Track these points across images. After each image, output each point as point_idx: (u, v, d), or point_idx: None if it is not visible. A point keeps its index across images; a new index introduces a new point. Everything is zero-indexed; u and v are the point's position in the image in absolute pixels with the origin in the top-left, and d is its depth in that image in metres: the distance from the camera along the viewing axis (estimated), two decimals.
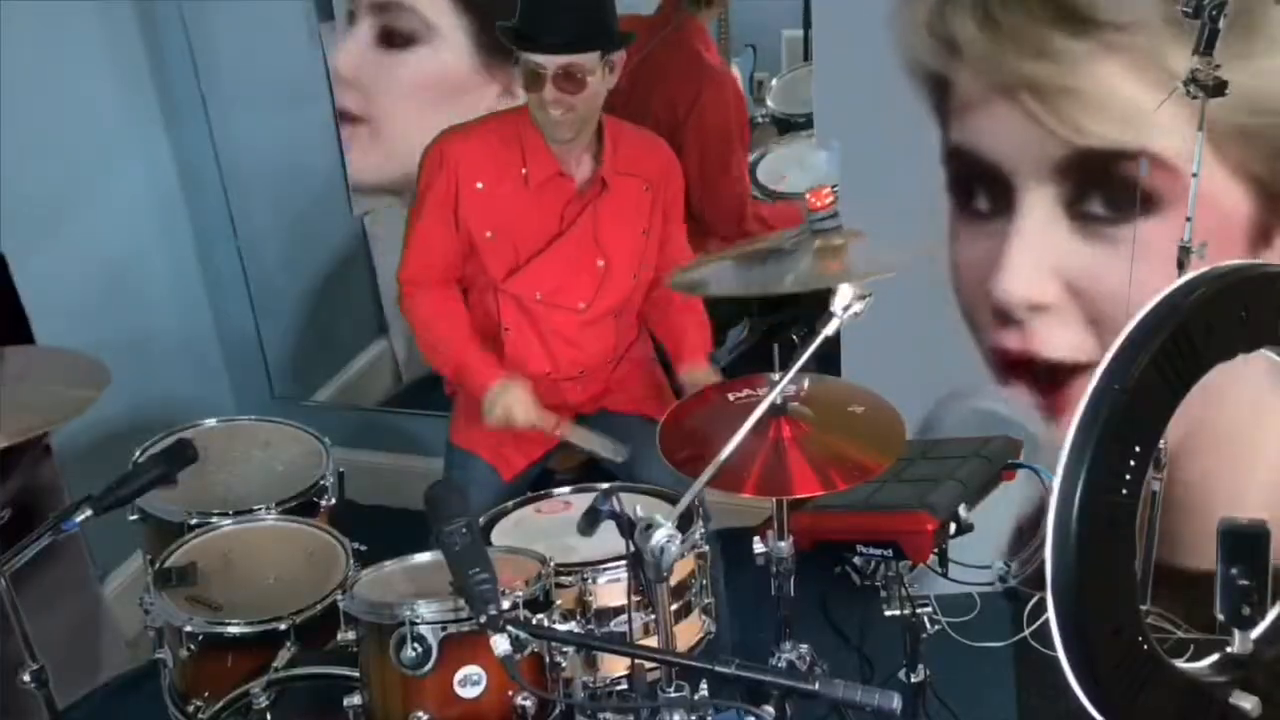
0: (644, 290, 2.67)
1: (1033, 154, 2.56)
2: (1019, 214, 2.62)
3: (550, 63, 2.35)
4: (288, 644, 2.09)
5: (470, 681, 1.84)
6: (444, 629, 1.82)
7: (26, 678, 2.09)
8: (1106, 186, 2.54)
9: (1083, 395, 1.40)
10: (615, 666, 2.10)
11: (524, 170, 2.50)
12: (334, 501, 2.49)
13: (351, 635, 1.94)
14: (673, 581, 1.94)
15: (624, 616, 2.08)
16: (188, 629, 2.11)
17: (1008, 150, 2.59)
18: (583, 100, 2.38)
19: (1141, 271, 2.55)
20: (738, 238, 3.34)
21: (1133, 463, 1.43)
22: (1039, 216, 2.60)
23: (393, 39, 3.47)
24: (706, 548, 2.21)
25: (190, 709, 2.14)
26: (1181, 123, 2.40)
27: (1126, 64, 2.45)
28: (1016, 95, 2.53)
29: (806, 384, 1.99)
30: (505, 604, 1.71)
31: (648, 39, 3.29)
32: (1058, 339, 2.69)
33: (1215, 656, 1.59)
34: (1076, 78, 2.48)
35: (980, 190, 2.65)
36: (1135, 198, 2.50)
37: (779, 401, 1.88)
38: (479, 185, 2.51)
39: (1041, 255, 2.63)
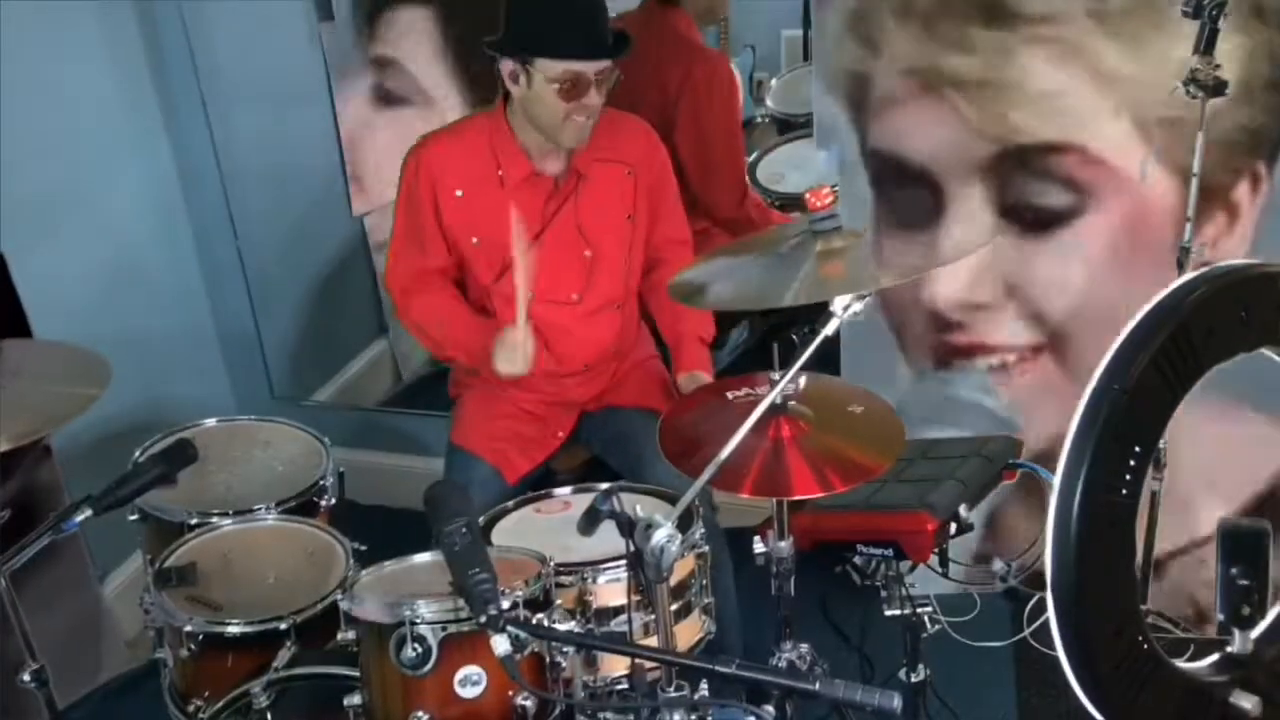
0: (639, 275, 2.67)
1: (959, 153, 2.53)
2: (949, 217, 2.59)
3: (592, 68, 2.36)
4: (288, 644, 2.09)
5: (470, 681, 1.84)
6: (444, 629, 1.82)
7: (26, 677, 2.09)
8: (1035, 182, 2.52)
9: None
10: (615, 666, 2.10)
11: (500, 172, 2.50)
12: (334, 501, 2.49)
13: (351, 635, 1.93)
14: (673, 581, 1.94)
15: (624, 616, 2.08)
16: (188, 629, 2.11)
17: (933, 151, 2.56)
18: (599, 105, 2.42)
19: (1080, 266, 2.54)
20: (737, 219, 3.35)
21: (1133, 463, 1.42)
22: (969, 218, 2.58)
23: (388, 98, 3.65)
24: (707, 548, 2.21)
25: (190, 709, 2.14)
26: (1108, 115, 2.41)
27: (1049, 57, 2.43)
28: (939, 92, 2.50)
29: (805, 383, 1.99)
30: (505, 604, 1.71)
31: (634, 32, 3.31)
32: (1000, 332, 2.68)
33: (1215, 656, 1.59)
34: (999, 72, 2.45)
35: (906, 196, 2.61)
36: (1064, 193, 2.50)
37: (778, 400, 1.87)
38: (458, 193, 2.51)
39: (975, 257, 2.61)
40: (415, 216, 2.55)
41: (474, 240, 2.54)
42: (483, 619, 1.62)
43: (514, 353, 2.44)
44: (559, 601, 1.99)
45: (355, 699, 1.92)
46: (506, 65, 2.41)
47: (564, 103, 2.38)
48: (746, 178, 3.51)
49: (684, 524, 2.03)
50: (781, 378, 1.77)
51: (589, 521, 1.68)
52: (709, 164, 3.29)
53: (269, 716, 1.99)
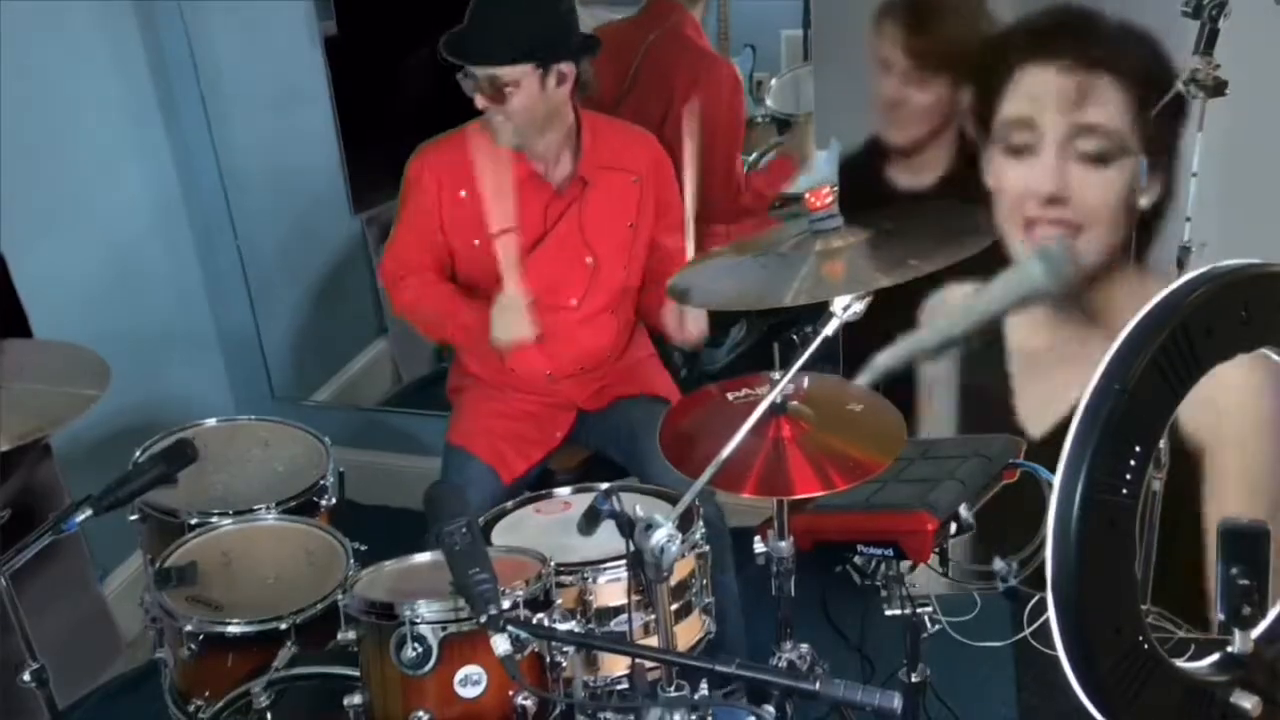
0: (638, 283, 2.67)
1: None
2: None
3: (475, 72, 2.37)
4: (288, 644, 2.09)
5: (470, 681, 1.84)
6: (444, 629, 1.82)
7: (26, 677, 2.09)
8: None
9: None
10: (615, 666, 2.10)
11: None
12: (334, 501, 2.49)
13: (351, 635, 1.93)
14: (673, 581, 1.94)
15: (624, 616, 2.08)
16: (188, 629, 2.11)
17: None
18: (513, 111, 2.39)
19: None
20: (733, 215, 3.34)
21: (1133, 463, 1.42)
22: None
23: None
24: (707, 548, 2.21)
25: (191, 709, 2.14)
26: None
27: None
28: None
29: (806, 383, 1.99)
30: (505, 604, 1.71)
31: (644, 37, 3.30)
32: None
33: (1215, 656, 1.58)
34: None
35: None
36: None
37: (778, 400, 1.88)
38: (462, 194, 2.52)
39: None
40: (417, 217, 2.56)
41: (475, 242, 2.54)
42: (483, 619, 1.62)
43: (512, 314, 2.42)
44: (559, 601, 1.99)
45: (355, 699, 1.92)
46: None
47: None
48: (742, 180, 3.50)
49: (684, 524, 2.03)
50: (782, 377, 1.77)
51: (589, 521, 1.68)
52: (709, 170, 3.28)
53: (269, 716, 1.99)
